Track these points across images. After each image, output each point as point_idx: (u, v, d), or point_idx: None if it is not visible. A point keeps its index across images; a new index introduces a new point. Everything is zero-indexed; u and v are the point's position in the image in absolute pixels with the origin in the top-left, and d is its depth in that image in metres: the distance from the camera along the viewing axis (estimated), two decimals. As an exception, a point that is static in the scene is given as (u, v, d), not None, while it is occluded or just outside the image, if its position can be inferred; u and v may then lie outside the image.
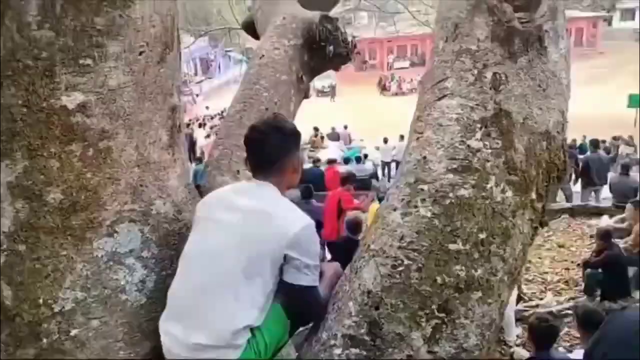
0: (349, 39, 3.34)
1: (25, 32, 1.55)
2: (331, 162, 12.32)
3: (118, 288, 1.79)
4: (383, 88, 35.53)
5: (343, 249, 5.69)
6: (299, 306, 1.76)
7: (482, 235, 1.61)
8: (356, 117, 23.85)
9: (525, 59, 1.73)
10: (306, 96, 3.40)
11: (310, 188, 7.64)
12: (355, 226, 6.14)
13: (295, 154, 1.86)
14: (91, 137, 1.71)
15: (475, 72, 1.74)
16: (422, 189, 1.67)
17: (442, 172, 1.66)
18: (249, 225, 1.68)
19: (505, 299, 1.71)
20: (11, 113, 1.61)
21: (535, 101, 1.72)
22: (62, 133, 1.66)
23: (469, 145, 1.67)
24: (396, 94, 33.68)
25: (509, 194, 1.66)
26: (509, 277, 1.68)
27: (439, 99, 1.78)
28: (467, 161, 1.65)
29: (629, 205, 7.06)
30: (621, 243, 6.31)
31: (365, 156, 15.73)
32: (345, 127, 20.57)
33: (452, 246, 1.60)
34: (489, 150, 1.66)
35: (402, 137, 15.75)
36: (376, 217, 1.81)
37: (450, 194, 1.63)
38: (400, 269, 1.62)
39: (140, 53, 1.77)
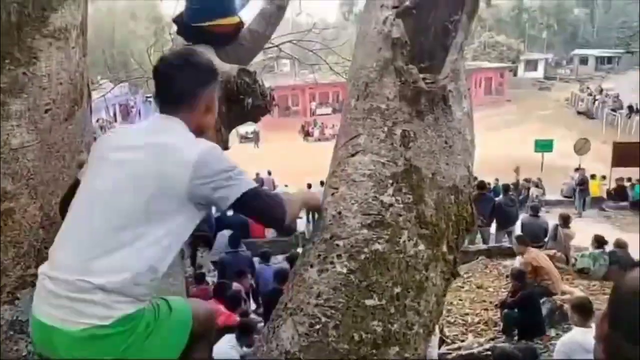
0: (267, 91, 3.39)
1: None
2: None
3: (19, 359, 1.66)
4: (306, 134, 36.10)
5: (271, 300, 5.60)
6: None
7: (397, 290, 1.64)
8: (280, 163, 23.95)
9: (431, 117, 1.83)
10: (225, 148, 3.38)
11: (237, 236, 7.54)
12: (282, 276, 6.08)
13: (209, 90, 1.70)
14: (-10, 199, 1.61)
15: (386, 129, 1.81)
16: (337, 245, 1.69)
17: (357, 227, 1.69)
18: (148, 162, 1.50)
19: (422, 351, 1.74)
20: None
21: (443, 157, 1.81)
22: (-43, 195, 1.56)
23: (381, 201, 1.72)
24: (319, 140, 34.25)
25: (422, 247, 1.71)
26: (424, 330, 1.71)
27: (352, 155, 1.83)
28: (380, 216, 1.70)
29: (513, 241, 7.55)
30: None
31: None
32: (269, 173, 20.59)
33: (368, 302, 1.62)
34: (401, 205, 1.71)
35: (322, 183, 15.92)
36: (292, 274, 1.81)
37: (365, 249, 1.66)
38: (318, 327, 1.62)
39: (46, 111, 1.72)
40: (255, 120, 3.55)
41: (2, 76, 1.58)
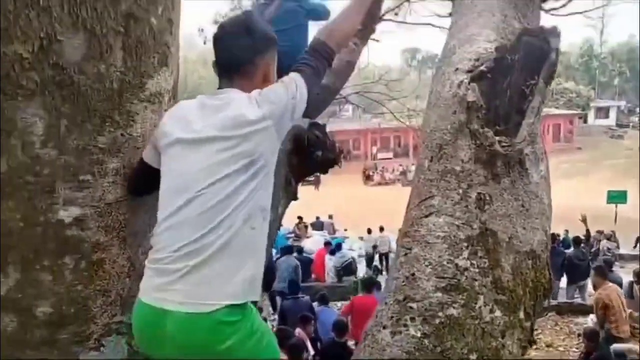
0: (337, 144, 3.48)
1: (29, 151, 1.60)
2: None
3: (103, 405, 1.74)
4: (367, 178, 36.18)
5: (330, 355, 5.58)
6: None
7: (473, 357, 1.62)
8: (340, 207, 24.05)
9: (508, 180, 1.83)
10: (294, 198, 3.48)
11: (296, 282, 7.59)
12: (340, 328, 6.03)
13: (267, 59, 1.69)
14: (85, 250, 1.73)
15: (460, 191, 1.82)
16: (411, 307, 1.70)
17: (431, 290, 1.70)
18: (227, 134, 1.54)
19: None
20: (8, 227, 1.63)
21: (519, 221, 1.80)
22: (56, 246, 1.68)
23: (456, 264, 1.72)
24: (379, 184, 34.26)
25: (498, 313, 1.68)
26: (499, 398, 1.67)
27: (426, 216, 1.85)
28: (455, 280, 1.69)
29: (591, 272, 7.20)
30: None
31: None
32: (330, 217, 20.69)
33: (442, 368, 1.61)
34: (477, 269, 1.71)
35: (381, 228, 15.82)
36: (364, 334, 1.81)
37: (440, 313, 1.66)
38: (391, 390, 1.61)
39: (139, 168, 1.83)
40: (324, 172, 3.64)
41: (103, 137, 1.71)
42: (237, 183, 1.53)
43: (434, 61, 62.46)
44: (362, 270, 14.56)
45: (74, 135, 1.65)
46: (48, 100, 1.59)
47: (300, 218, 18.75)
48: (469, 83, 1.92)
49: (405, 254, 1.83)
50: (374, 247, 15.59)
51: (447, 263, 1.72)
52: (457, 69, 2.03)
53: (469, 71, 1.97)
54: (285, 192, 3.29)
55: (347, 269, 12.94)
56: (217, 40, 1.69)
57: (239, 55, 1.66)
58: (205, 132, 1.57)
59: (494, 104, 1.90)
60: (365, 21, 4.28)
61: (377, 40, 4.89)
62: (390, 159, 38.99)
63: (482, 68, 1.93)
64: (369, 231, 16.78)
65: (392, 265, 1.88)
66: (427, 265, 1.74)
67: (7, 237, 1.63)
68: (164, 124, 1.69)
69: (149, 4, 1.76)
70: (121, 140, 1.76)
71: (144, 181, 1.76)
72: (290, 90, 1.60)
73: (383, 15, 5.29)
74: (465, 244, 1.74)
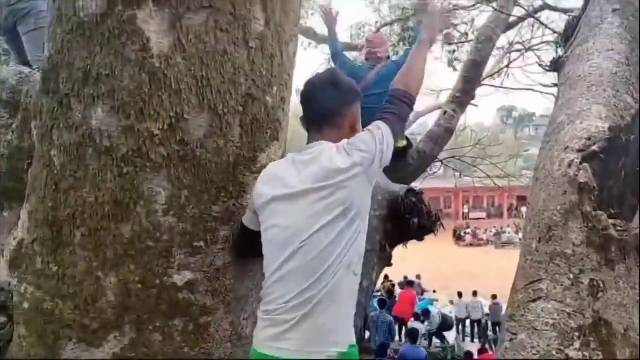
0: (434, 211, 3.45)
1: (152, 218, 1.74)
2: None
3: None
4: (458, 238, 35.07)
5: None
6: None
7: None
8: (429, 266, 23.37)
9: (623, 268, 1.72)
10: (389, 264, 3.46)
11: (385, 345, 7.42)
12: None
13: (352, 109, 1.78)
14: (193, 313, 1.82)
15: (572, 276, 1.74)
16: (517, 398, 1.61)
17: (540, 381, 1.61)
18: (319, 189, 1.59)
19: None
20: (127, 288, 1.75)
21: (636, 312, 1.68)
22: (168, 308, 1.78)
23: (567, 355, 1.62)
24: (471, 245, 33.06)
25: (614, 413, 1.56)
26: None
27: (533, 300, 1.77)
28: (565, 372, 1.59)
29: None
30: None
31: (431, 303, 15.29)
32: (418, 277, 20.12)
33: None
34: (590, 363, 1.60)
35: (475, 293, 15.17)
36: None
37: (550, 408, 1.56)
38: None
39: (246, 236, 1.92)
40: (420, 239, 3.60)
41: (217, 207, 1.82)
42: (336, 231, 1.58)
43: (530, 119, 60.63)
44: (452, 336, 13.95)
45: (192, 205, 1.78)
46: (172, 172, 1.73)
47: (386, 277, 18.42)
48: (580, 163, 1.86)
49: (511, 340, 1.75)
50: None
51: (557, 353, 1.63)
52: (567, 147, 1.98)
53: (580, 150, 1.91)
54: (380, 258, 3.29)
55: (438, 333, 12.50)
56: (305, 95, 1.79)
57: (327, 107, 1.75)
58: (300, 186, 1.64)
59: (607, 185, 1.82)
60: (465, 88, 4.31)
61: (476, 106, 4.86)
62: (483, 219, 37.71)
63: (594, 148, 1.87)
64: (460, 295, 16.11)
65: (497, 350, 1.81)
66: (534, 354, 1.65)
67: (126, 297, 1.75)
68: (258, 186, 1.77)
69: (266, 85, 1.89)
70: (233, 209, 1.86)
71: (246, 243, 1.85)
72: (378, 137, 1.66)
73: (483, 80, 5.29)
74: (577, 334, 1.64)
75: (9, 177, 2.04)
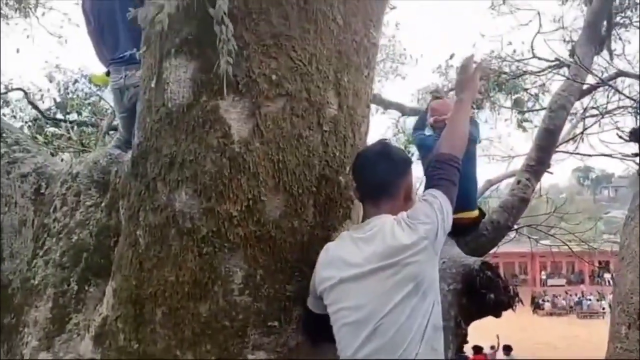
0: (511, 286, 3.30)
1: (229, 297, 1.78)
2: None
3: None
4: (536, 306, 33.16)
5: None
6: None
7: None
8: (505, 336, 22.14)
9: None
10: (464, 341, 3.31)
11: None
12: None
13: (406, 179, 1.81)
14: (268, 394, 1.81)
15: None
16: None
17: None
18: (387, 262, 1.60)
19: None
20: (204, 366, 1.78)
21: None
22: (243, 388, 1.79)
23: None
24: (551, 314, 31.13)
25: None
26: None
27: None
28: None
29: None
30: None
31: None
32: (492, 348, 19.05)
33: None
34: None
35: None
36: None
37: None
38: None
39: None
40: (497, 315, 3.44)
41: (291, 286, 1.85)
42: (410, 307, 1.57)
43: (609, 180, 57.84)
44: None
45: (267, 284, 1.81)
46: (249, 252, 1.79)
47: (459, 348, 17.56)
48: (671, 244, 1.76)
49: None
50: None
51: None
52: (655, 226, 1.88)
53: (670, 230, 1.81)
54: (455, 335, 3.15)
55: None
56: (359, 167, 1.84)
57: (381, 180, 1.78)
58: (367, 265, 1.64)
59: None
60: (540, 157, 4.20)
61: (551, 173, 4.71)
62: (562, 286, 35.60)
63: (686, 228, 1.77)
64: (540, 369, 15.07)
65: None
66: None
67: (202, 375, 1.78)
68: (321, 270, 1.76)
69: (339, 166, 1.94)
70: (306, 289, 1.87)
71: (314, 327, 1.85)
72: (437, 206, 1.66)
73: (558, 146, 5.15)
74: None
75: (96, 254, 2.16)
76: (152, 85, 1.88)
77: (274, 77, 1.81)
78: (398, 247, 1.61)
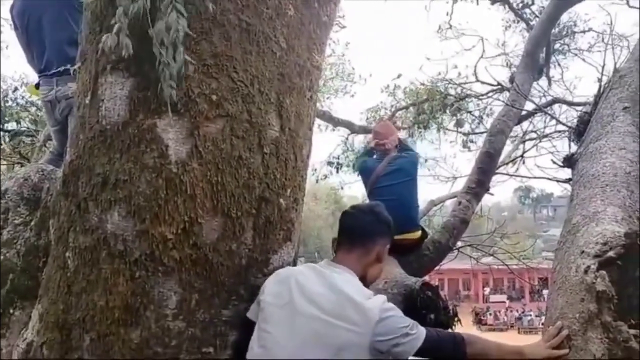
0: (450, 307, 3.36)
1: (162, 323, 1.72)
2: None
3: None
4: (479, 322, 33.94)
5: None
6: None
7: None
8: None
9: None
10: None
11: None
12: None
13: (383, 242, 1.91)
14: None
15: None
16: None
17: None
18: (330, 316, 1.62)
19: None
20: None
21: None
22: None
23: None
24: (493, 329, 31.90)
25: None
26: None
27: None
28: None
29: None
30: None
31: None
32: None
33: None
34: None
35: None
36: None
37: None
38: None
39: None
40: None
41: (227, 311, 1.80)
42: None
43: (548, 200, 60.25)
44: None
45: (203, 309, 1.76)
46: (184, 276, 1.74)
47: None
48: (597, 270, 1.82)
49: None
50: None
51: None
52: (583, 251, 1.94)
53: (597, 256, 1.88)
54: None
55: None
56: (346, 215, 1.96)
57: (363, 230, 1.89)
58: (313, 308, 1.66)
59: (625, 294, 1.77)
60: (480, 180, 4.32)
61: (492, 194, 4.87)
62: (503, 302, 36.59)
63: (610, 254, 1.84)
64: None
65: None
66: None
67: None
68: (273, 280, 1.81)
69: (280, 188, 1.92)
70: (243, 313, 1.84)
71: (245, 337, 1.82)
72: (412, 329, 1.66)
73: (499, 168, 5.32)
74: None
75: (23, 275, 2.05)
76: (87, 101, 1.82)
77: (214, 97, 1.78)
78: (357, 318, 1.61)
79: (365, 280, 1.85)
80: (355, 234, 1.90)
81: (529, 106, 5.29)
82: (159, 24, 1.63)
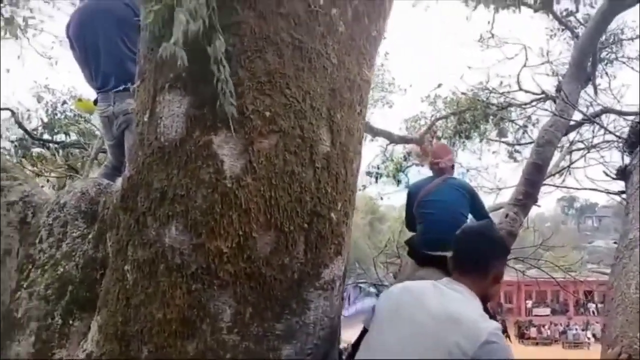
0: (499, 319, 3.29)
1: (217, 336, 1.75)
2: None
3: None
4: (522, 335, 33.06)
5: None
6: None
7: None
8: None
9: None
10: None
11: None
12: None
13: (499, 263, 1.89)
14: None
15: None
16: None
17: None
18: (440, 329, 1.63)
19: None
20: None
21: None
22: None
23: None
24: (537, 343, 31.02)
25: None
26: None
27: None
28: None
29: None
30: None
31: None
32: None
33: None
34: None
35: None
36: None
37: None
38: None
39: (308, 354, 1.90)
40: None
41: (280, 324, 1.82)
42: None
43: (593, 210, 58.43)
44: None
45: (256, 323, 1.78)
46: (238, 290, 1.76)
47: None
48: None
49: None
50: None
51: None
52: (643, 268, 1.89)
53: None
54: None
55: None
56: (459, 239, 1.96)
57: (477, 254, 1.89)
58: (427, 318, 1.70)
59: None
60: (528, 192, 4.24)
61: (539, 206, 4.76)
62: (547, 315, 35.57)
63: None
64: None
65: None
66: None
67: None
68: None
69: (331, 202, 1.93)
70: (295, 327, 1.85)
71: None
72: None
73: (545, 179, 5.20)
74: None
75: (82, 287, 2.12)
76: (145, 119, 1.88)
77: (267, 113, 1.81)
78: (466, 334, 1.61)
79: (485, 301, 1.85)
80: (470, 258, 1.89)
81: (577, 116, 5.18)
82: (216, 43, 1.67)
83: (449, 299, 1.73)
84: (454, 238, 1.95)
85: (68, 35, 3.12)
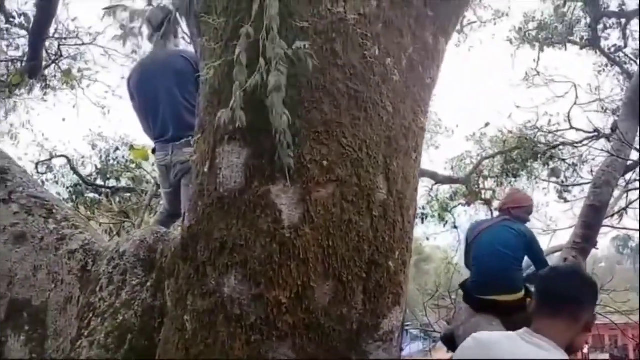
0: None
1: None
2: None
3: None
4: (579, 382, 31.33)
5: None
6: None
7: None
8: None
9: None
10: None
11: None
12: None
13: (592, 308, 1.73)
14: None
15: None
16: None
17: None
18: None
19: None
20: None
21: None
22: None
23: None
24: (596, 394, 29.27)
25: None
26: None
27: None
28: None
29: None
30: None
31: None
32: None
33: None
34: None
35: None
36: None
37: None
38: None
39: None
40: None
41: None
42: None
43: (650, 250, 55.74)
44: None
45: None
46: (297, 341, 1.74)
47: None
48: None
49: None
50: None
51: None
52: None
53: None
54: None
55: None
56: (548, 279, 1.84)
57: (569, 296, 1.71)
58: None
59: None
60: (585, 234, 4.09)
61: (598, 248, 4.58)
62: (606, 361, 33.64)
63: None
64: None
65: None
66: None
67: None
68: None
69: (388, 251, 1.91)
70: (354, 380, 1.81)
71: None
72: None
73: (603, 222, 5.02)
74: None
75: (141, 336, 2.14)
76: (205, 170, 1.92)
77: (324, 163, 1.82)
78: None
79: (571, 351, 1.70)
80: (561, 301, 1.71)
81: (634, 155, 5.01)
82: (274, 95, 1.71)
83: (529, 351, 1.61)
84: (539, 277, 1.83)
85: (129, 86, 3.26)
